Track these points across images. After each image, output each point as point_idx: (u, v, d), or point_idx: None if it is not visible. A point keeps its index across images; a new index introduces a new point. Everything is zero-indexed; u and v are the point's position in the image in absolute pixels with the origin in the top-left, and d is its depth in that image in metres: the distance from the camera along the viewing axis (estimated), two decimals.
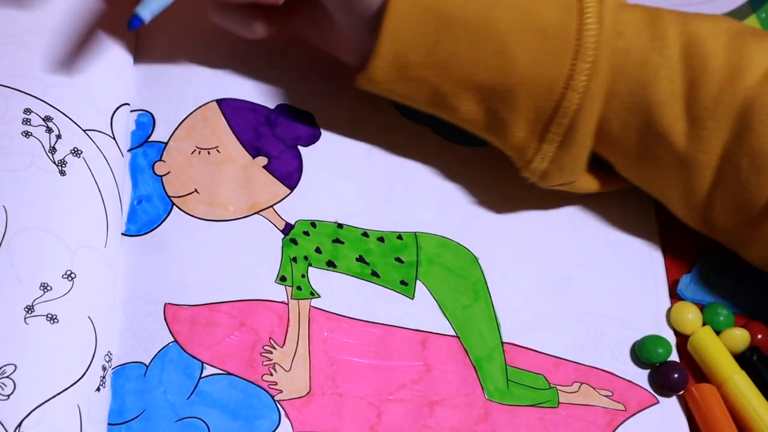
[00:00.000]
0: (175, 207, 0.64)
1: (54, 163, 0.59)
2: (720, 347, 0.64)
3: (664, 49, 0.60)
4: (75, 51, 0.63)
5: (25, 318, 0.56)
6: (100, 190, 0.60)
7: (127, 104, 0.64)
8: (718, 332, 0.65)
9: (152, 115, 0.66)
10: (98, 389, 0.57)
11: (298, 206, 0.65)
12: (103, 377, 0.57)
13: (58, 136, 0.60)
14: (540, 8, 0.60)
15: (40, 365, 0.55)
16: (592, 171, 0.65)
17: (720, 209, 0.62)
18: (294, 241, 0.64)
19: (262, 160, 0.66)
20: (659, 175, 0.63)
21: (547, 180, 0.63)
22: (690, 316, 0.65)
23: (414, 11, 0.59)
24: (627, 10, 0.61)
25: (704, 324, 0.65)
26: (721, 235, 0.64)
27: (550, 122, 0.61)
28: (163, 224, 0.63)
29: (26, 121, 0.60)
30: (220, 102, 0.67)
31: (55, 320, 0.56)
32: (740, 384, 0.63)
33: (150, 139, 0.65)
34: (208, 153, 0.65)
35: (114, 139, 0.62)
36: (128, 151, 0.64)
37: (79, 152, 0.60)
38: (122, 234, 0.62)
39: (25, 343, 0.55)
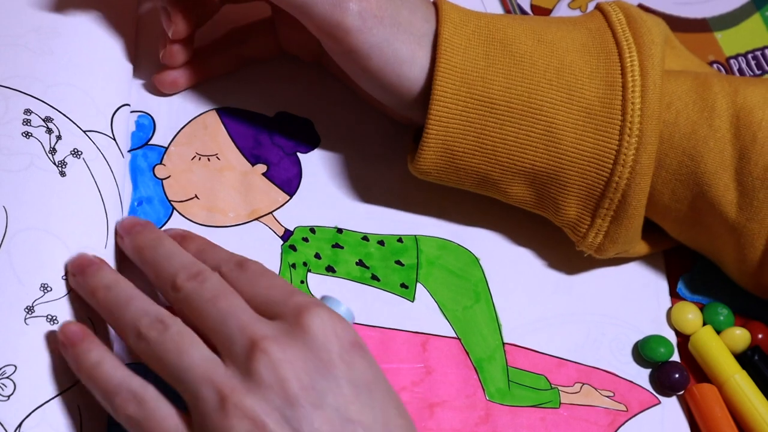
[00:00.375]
0: (175, 212, 0.64)
1: (54, 163, 0.59)
2: (721, 347, 0.64)
3: (713, 120, 0.60)
4: (76, 52, 0.63)
5: (25, 319, 0.56)
6: (100, 191, 0.60)
7: (128, 105, 0.64)
8: (718, 332, 0.65)
9: (152, 117, 0.66)
10: None
11: (297, 212, 0.65)
12: None
13: (59, 137, 0.60)
14: (582, 87, 0.60)
15: (40, 366, 0.55)
16: (643, 234, 0.65)
17: None
18: (293, 248, 0.64)
19: (262, 168, 0.66)
20: (711, 240, 0.63)
21: (603, 252, 0.63)
22: (690, 316, 0.65)
23: (459, 100, 0.59)
24: (674, 80, 0.61)
25: (704, 324, 0.65)
26: None
27: (601, 198, 0.61)
28: (163, 229, 0.63)
29: (26, 122, 0.60)
30: (220, 110, 0.67)
31: (55, 321, 0.56)
32: (741, 383, 0.62)
33: (150, 142, 0.65)
34: (208, 160, 0.65)
35: (114, 140, 0.63)
36: (128, 151, 0.64)
37: (79, 153, 0.60)
38: None
39: (25, 344, 0.55)
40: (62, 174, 0.59)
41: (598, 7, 0.63)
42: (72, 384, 0.55)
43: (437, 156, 0.61)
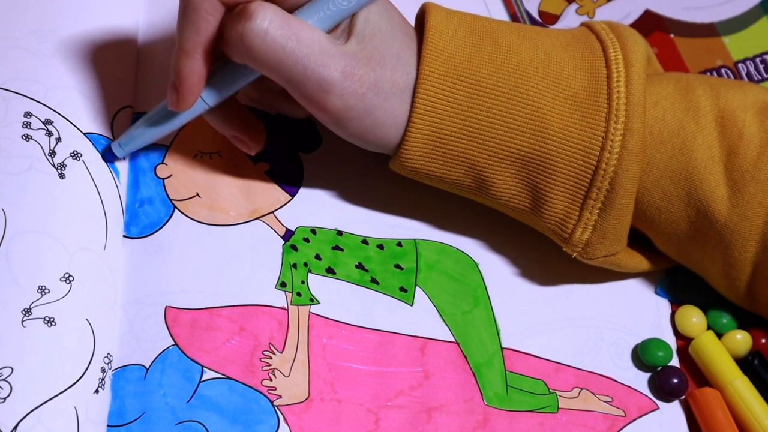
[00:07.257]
0: (176, 210, 0.64)
1: (53, 166, 0.60)
2: (722, 351, 0.64)
3: (698, 119, 0.61)
4: (76, 55, 0.64)
5: (22, 321, 0.56)
6: (99, 193, 0.60)
7: (130, 107, 0.64)
8: (720, 336, 0.64)
9: None
10: (97, 391, 0.57)
11: (298, 213, 0.65)
12: (102, 379, 0.57)
13: (58, 140, 0.60)
14: (568, 77, 0.60)
15: (36, 368, 0.55)
16: (637, 249, 0.65)
17: (764, 281, 0.62)
18: (294, 248, 0.64)
19: (263, 166, 0.66)
20: (700, 249, 0.63)
21: (590, 251, 0.62)
22: (694, 319, 0.65)
23: (446, 81, 0.59)
24: (657, 82, 0.62)
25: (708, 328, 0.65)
26: (764, 309, 0.63)
27: (589, 188, 0.60)
28: (164, 227, 0.63)
29: (26, 125, 0.60)
30: None
31: (53, 323, 0.56)
32: (741, 389, 0.62)
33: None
34: (210, 157, 0.65)
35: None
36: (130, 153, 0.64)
37: (79, 155, 0.60)
38: (124, 236, 0.62)
39: (21, 346, 0.55)
40: (61, 176, 0.59)
41: (583, 23, 0.64)
42: (69, 386, 0.56)
43: (424, 140, 0.61)
